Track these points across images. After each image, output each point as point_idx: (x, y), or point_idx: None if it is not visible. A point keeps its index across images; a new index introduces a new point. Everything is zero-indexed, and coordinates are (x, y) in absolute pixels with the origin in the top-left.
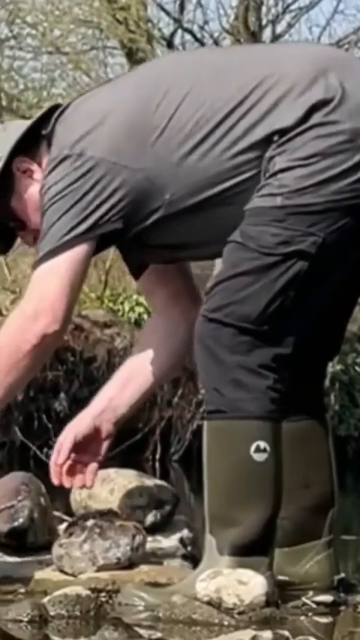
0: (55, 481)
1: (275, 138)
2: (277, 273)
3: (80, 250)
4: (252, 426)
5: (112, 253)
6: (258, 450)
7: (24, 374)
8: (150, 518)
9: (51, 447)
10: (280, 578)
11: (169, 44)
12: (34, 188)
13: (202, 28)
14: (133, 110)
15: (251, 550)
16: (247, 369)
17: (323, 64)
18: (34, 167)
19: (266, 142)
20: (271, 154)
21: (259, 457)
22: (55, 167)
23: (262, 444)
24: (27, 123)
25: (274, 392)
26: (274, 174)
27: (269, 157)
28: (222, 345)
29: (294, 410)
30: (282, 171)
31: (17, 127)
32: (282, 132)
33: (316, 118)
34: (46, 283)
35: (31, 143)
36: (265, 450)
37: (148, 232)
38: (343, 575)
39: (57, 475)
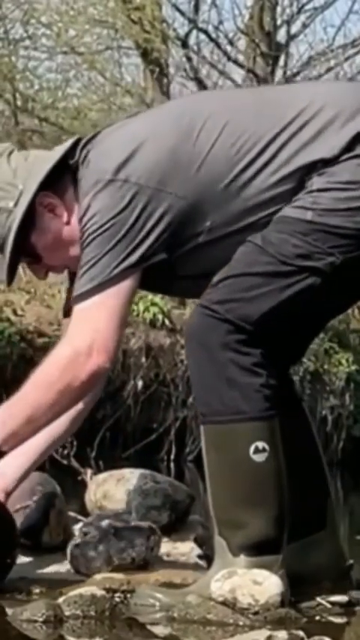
0: None
1: (318, 166)
2: (288, 282)
3: (128, 283)
4: (249, 428)
5: None
6: (257, 450)
7: (65, 409)
8: (165, 519)
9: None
10: (289, 573)
11: (184, 44)
12: (57, 223)
13: (216, 28)
14: (173, 137)
15: (262, 549)
16: (239, 367)
17: None
18: (57, 202)
19: (308, 170)
20: (311, 176)
21: (259, 458)
22: (98, 193)
23: (261, 445)
24: (51, 157)
25: (267, 389)
26: (311, 192)
27: (309, 177)
28: (216, 340)
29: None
30: (319, 190)
31: (39, 160)
32: (324, 162)
33: (358, 148)
34: (97, 318)
35: (54, 177)
36: (264, 450)
37: (184, 260)
38: (351, 561)
39: None
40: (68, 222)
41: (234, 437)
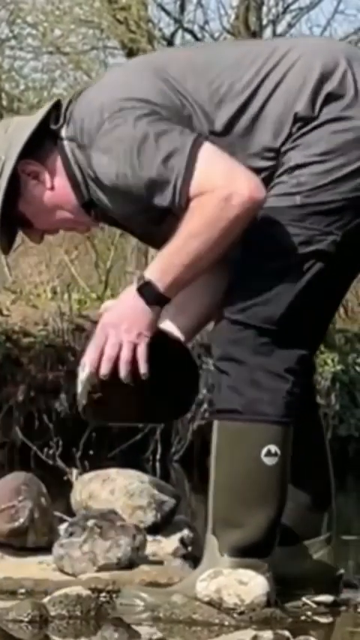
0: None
1: (294, 129)
2: (298, 273)
3: (207, 144)
4: (266, 430)
5: (112, 253)
6: (269, 453)
7: (225, 248)
8: (150, 519)
9: (51, 447)
10: (278, 576)
11: (170, 44)
12: (41, 190)
13: (202, 28)
14: (153, 80)
15: (253, 552)
16: (268, 372)
17: (336, 55)
18: (40, 168)
19: (287, 133)
20: (286, 148)
21: (270, 461)
22: (106, 132)
23: (274, 448)
24: (30, 121)
25: (291, 396)
26: (289, 170)
27: (284, 151)
28: (244, 347)
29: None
30: (298, 167)
31: (19, 128)
32: (300, 120)
33: (331, 111)
34: (220, 166)
35: (35, 143)
36: (275, 454)
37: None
38: (342, 571)
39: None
40: (52, 188)
41: (249, 436)
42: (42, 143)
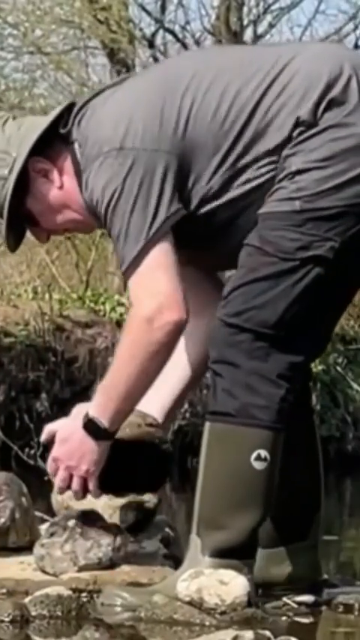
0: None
1: (294, 134)
2: (296, 278)
3: (167, 240)
4: (257, 434)
5: (93, 254)
6: (259, 458)
7: (159, 371)
8: (131, 519)
9: (32, 447)
10: (263, 579)
11: (151, 44)
12: (49, 188)
13: (183, 28)
14: (160, 99)
15: (235, 554)
16: (262, 377)
17: (342, 62)
18: (50, 167)
19: (288, 134)
20: (287, 153)
21: (259, 465)
22: (99, 166)
23: (264, 453)
24: (42, 121)
25: (284, 402)
26: (290, 175)
27: (285, 156)
28: (239, 350)
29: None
30: (298, 173)
31: (31, 126)
32: (301, 125)
33: (333, 117)
34: (153, 280)
35: (46, 142)
36: (265, 459)
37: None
38: (326, 576)
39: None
40: (61, 187)
41: (240, 439)
42: (53, 143)
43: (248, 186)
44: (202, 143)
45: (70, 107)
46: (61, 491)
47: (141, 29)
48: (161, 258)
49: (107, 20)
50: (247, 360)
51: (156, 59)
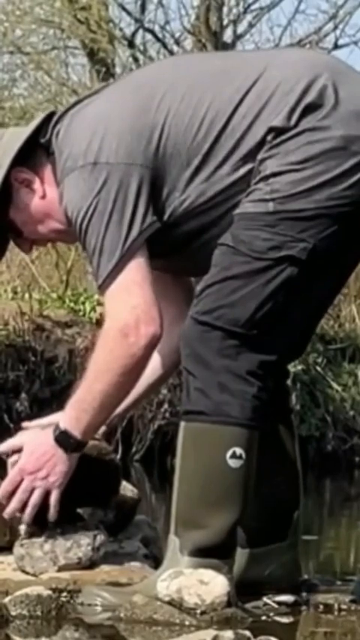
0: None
1: (269, 138)
2: (268, 277)
3: (141, 254)
4: (232, 432)
5: (73, 253)
6: (234, 456)
7: (133, 385)
8: (111, 518)
9: None
10: (242, 579)
11: (131, 44)
12: (32, 198)
13: (163, 28)
14: (135, 111)
15: (214, 553)
16: (233, 374)
17: (318, 69)
18: (32, 177)
19: (262, 141)
20: (263, 156)
21: (234, 463)
22: (73, 181)
23: (239, 451)
24: (23, 132)
25: (257, 400)
26: (265, 177)
27: (260, 159)
28: (210, 348)
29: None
30: (273, 175)
31: (13, 137)
32: (276, 131)
33: (309, 121)
34: (129, 295)
35: (28, 152)
36: (240, 457)
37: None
38: (306, 576)
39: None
40: (44, 197)
41: (215, 437)
42: (35, 153)
43: (224, 196)
44: (176, 154)
45: (49, 117)
46: (20, 502)
47: (121, 29)
48: (137, 273)
49: (87, 20)
50: (217, 358)
51: (136, 59)
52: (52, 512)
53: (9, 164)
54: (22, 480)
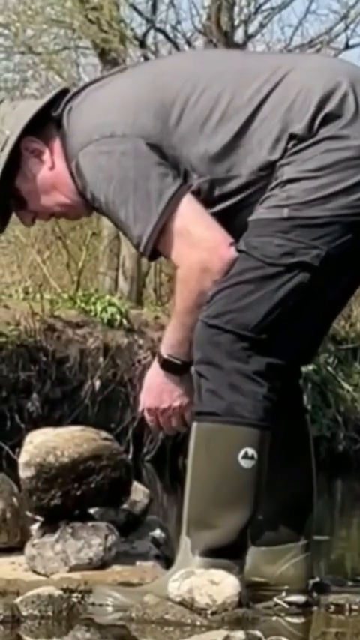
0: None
1: (289, 145)
2: (279, 283)
3: (186, 199)
4: (244, 433)
5: (84, 254)
6: (246, 456)
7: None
8: (122, 518)
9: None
10: (255, 578)
11: (142, 44)
12: (41, 168)
13: (174, 28)
14: (151, 96)
15: (225, 553)
16: (244, 376)
17: (340, 77)
18: (42, 147)
19: (282, 147)
20: (282, 163)
21: (247, 464)
22: (89, 155)
23: (251, 451)
24: (36, 103)
25: (268, 401)
26: (282, 184)
27: (279, 165)
28: (220, 351)
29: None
30: (290, 181)
31: (26, 107)
32: (296, 138)
33: (329, 130)
34: (188, 238)
35: (39, 124)
36: (252, 458)
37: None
38: (317, 579)
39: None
40: (52, 168)
41: (227, 438)
42: (46, 126)
43: (238, 197)
44: (192, 142)
45: (64, 92)
46: (168, 430)
47: (132, 29)
48: (183, 215)
49: (98, 20)
50: (228, 360)
51: (147, 59)
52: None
53: (20, 132)
54: (157, 419)
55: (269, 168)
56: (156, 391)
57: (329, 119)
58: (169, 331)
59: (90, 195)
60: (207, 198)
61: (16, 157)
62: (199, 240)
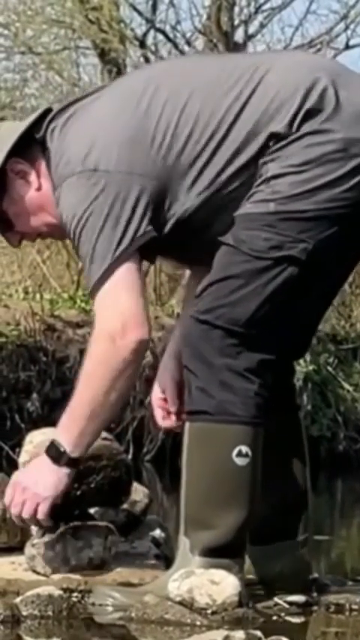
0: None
1: (271, 143)
2: (268, 277)
3: (133, 261)
4: (236, 430)
5: None
6: (240, 454)
7: (125, 393)
8: (122, 518)
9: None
10: (253, 576)
11: (142, 44)
12: (27, 190)
13: (174, 28)
14: (134, 118)
15: (224, 552)
16: (234, 372)
17: (317, 72)
18: (28, 169)
19: (264, 148)
20: (265, 160)
21: (241, 461)
22: (70, 187)
23: (245, 449)
24: (21, 125)
25: (259, 397)
26: (267, 180)
27: (262, 163)
28: (211, 347)
29: (270, 407)
30: (275, 177)
31: (10, 129)
32: (277, 137)
33: (311, 125)
34: (117, 300)
35: (24, 145)
36: (246, 455)
37: (166, 237)
38: (316, 575)
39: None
40: (39, 189)
41: (220, 436)
42: (31, 147)
43: (226, 200)
44: (177, 164)
45: (46, 113)
46: (15, 516)
47: (132, 29)
48: (126, 279)
49: (98, 20)
50: (218, 357)
51: (147, 59)
52: (43, 523)
53: (6, 154)
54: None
55: (252, 169)
56: (30, 470)
57: (310, 115)
58: (67, 409)
59: (61, 221)
60: (192, 211)
61: (1, 179)
62: (123, 310)
